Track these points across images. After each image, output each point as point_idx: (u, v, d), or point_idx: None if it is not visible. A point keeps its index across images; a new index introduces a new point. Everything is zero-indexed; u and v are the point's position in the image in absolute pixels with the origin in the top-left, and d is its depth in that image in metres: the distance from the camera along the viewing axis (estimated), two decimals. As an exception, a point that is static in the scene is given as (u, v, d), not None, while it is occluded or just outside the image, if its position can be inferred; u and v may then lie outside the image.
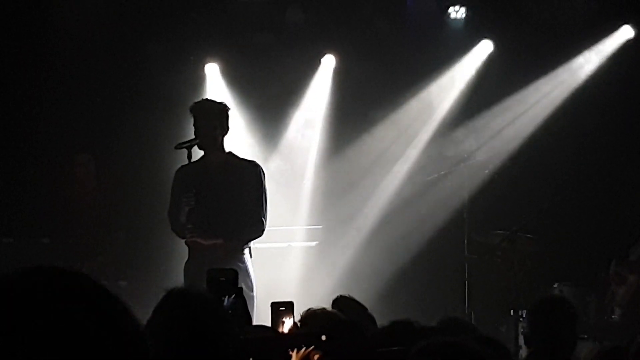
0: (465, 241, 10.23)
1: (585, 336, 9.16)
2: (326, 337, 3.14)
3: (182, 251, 7.63)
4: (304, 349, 3.13)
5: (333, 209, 10.88)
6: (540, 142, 10.78)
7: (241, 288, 4.37)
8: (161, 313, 3.22)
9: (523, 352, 9.18)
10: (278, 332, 4.29)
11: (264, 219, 7.52)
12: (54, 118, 10.35)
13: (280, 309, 4.56)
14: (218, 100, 7.89)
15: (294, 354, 3.13)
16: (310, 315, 4.45)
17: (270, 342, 3.24)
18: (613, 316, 9.23)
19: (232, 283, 4.27)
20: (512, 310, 9.34)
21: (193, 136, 7.47)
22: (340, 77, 10.99)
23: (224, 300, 3.99)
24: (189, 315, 3.19)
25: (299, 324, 4.48)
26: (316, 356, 3.11)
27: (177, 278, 7.55)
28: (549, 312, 5.34)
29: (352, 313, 4.94)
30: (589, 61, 10.97)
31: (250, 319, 4.58)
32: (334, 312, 4.60)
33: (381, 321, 4.91)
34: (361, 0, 10.93)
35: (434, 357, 2.89)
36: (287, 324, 4.50)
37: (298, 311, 4.63)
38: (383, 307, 7.76)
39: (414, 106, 11.05)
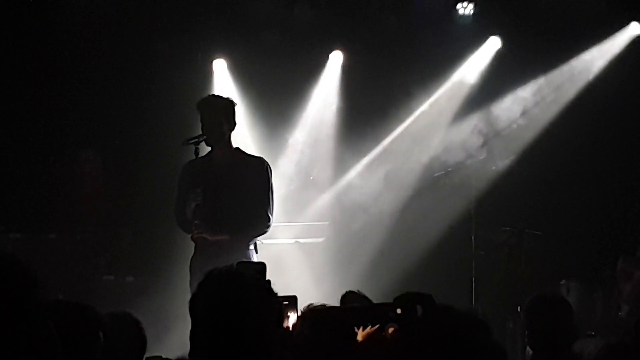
0: (473, 238, 10.21)
1: (593, 333, 9.14)
2: (402, 311, 3.02)
3: (188, 247, 7.62)
4: (369, 326, 3.02)
5: (340, 205, 10.87)
6: (548, 139, 10.76)
7: (269, 281, 4.32)
8: (204, 291, 3.09)
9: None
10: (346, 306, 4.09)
11: (270, 215, 7.50)
12: (60, 115, 10.36)
13: (284, 303, 4.54)
14: (225, 96, 7.87)
15: (359, 332, 3.03)
16: (310, 312, 4.42)
17: (333, 317, 3.12)
18: (620, 313, 9.20)
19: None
20: (519, 307, 9.32)
21: (200, 132, 7.46)
22: (348, 73, 10.98)
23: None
24: (231, 292, 3.04)
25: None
26: (391, 329, 3.00)
27: (183, 273, 7.56)
28: (543, 311, 5.20)
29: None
30: (597, 58, 10.94)
31: None
32: (334, 308, 4.56)
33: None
34: (369, -4, 10.93)
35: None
36: (291, 319, 4.48)
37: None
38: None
39: (421, 102, 11.03)
